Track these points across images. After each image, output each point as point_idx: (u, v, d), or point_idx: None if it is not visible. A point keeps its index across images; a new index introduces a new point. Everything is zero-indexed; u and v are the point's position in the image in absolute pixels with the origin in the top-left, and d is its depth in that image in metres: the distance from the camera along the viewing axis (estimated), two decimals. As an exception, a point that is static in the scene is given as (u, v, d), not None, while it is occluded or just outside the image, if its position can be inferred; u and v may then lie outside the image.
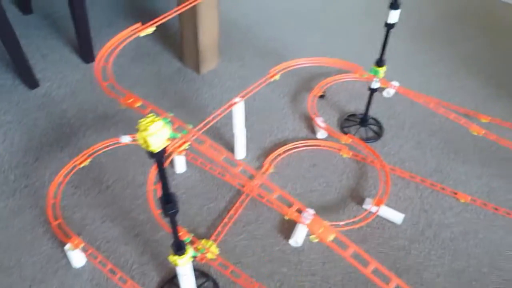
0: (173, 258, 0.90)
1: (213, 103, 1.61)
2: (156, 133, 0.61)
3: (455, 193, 1.33)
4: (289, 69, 1.44)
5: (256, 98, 1.63)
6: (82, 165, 1.33)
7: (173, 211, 0.77)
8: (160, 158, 0.66)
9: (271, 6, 2.25)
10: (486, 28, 2.16)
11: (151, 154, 0.63)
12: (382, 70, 1.34)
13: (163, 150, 0.63)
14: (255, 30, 2.05)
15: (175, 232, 0.84)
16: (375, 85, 1.39)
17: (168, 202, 0.76)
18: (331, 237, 0.82)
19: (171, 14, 1.23)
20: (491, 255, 1.18)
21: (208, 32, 1.64)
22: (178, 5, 1.28)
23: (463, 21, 2.22)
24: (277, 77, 1.37)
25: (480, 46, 2.03)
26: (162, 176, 0.71)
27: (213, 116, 1.22)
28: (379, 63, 1.33)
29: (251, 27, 2.07)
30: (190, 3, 1.32)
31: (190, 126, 1.05)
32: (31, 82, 1.64)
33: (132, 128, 1.48)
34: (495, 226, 1.25)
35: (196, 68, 1.73)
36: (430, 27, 2.17)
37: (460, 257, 1.18)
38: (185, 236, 1.11)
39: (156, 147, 0.62)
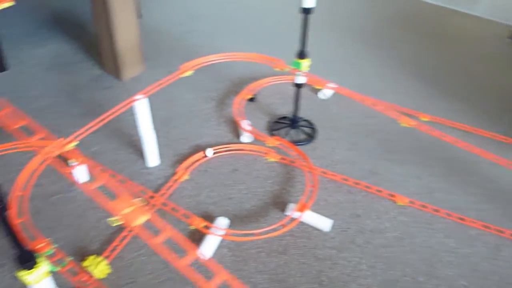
0: (21, 274, 0.72)
1: (130, 109, 1.46)
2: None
3: (392, 195, 1.19)
4: (202, 65, 1.31)
5: (179, 103, 1.49)
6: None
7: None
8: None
9: (203, 14, 2.15)
10: (429, 34, 2.10)
11: None
12: (304, 63, 1.22)
13: None
14: (188, 37, 1.93)
15: (12, 235, 0.67)
16: (299, 79, 1.27)
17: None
18: (140, 220, 0.67)
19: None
20: (429, 262, 1.03)
21: (125, 35, 1.50)
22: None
23: (405, 26, 2.15)
24: (189, 72, 1.23)
25: (422, 51, 1.95)
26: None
27: (109, 113, 1.07)
28: (301, 55, 1.21)
29: (183, 35, 1.95)
30: None
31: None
32: None
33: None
34: (433, 230, 1.11)
35: (117, 74, 1.59)
36: (372, 31, 2.09)
37: (394, 266, 1.02)
38: (45, 248, 0.90)
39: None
